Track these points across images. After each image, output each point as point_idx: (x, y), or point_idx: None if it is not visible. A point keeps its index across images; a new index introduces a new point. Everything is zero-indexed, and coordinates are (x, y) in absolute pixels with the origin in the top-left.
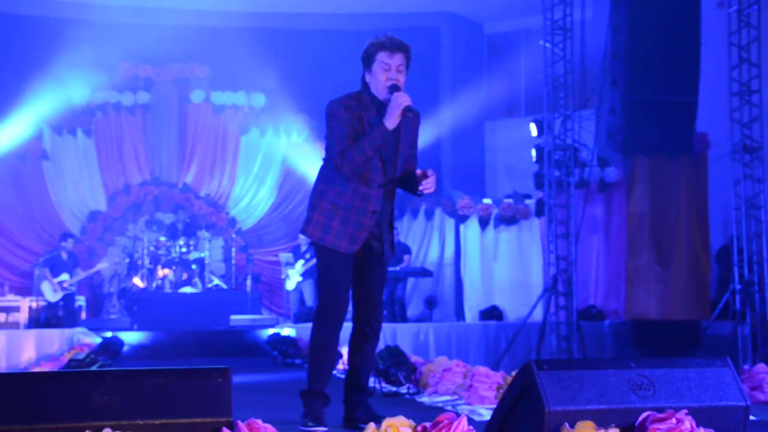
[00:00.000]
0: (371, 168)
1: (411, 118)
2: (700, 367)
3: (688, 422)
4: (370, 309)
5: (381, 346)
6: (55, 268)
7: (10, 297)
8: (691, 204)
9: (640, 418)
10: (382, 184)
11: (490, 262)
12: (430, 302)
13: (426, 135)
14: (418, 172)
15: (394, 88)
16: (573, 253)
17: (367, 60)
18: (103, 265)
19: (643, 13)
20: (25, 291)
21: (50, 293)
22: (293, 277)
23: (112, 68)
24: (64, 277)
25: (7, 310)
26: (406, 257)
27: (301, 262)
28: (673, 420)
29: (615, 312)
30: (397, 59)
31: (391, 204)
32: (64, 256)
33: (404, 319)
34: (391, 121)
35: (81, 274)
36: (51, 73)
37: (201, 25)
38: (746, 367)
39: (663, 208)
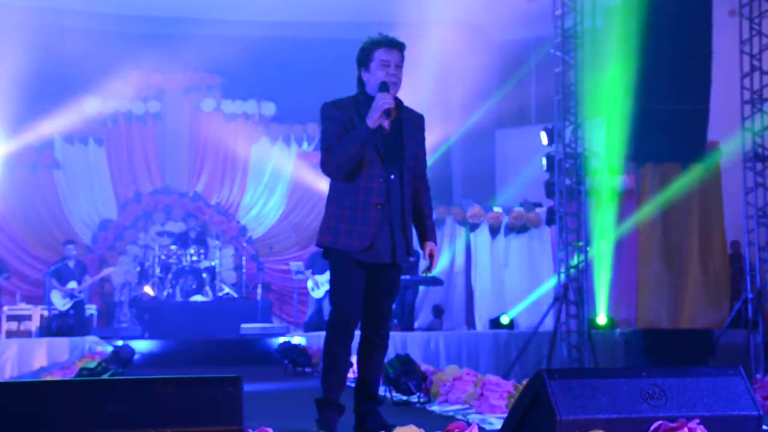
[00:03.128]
0: (367, 161)
1: (411, 117)
2: (712, 376)
3: None
4: (379, 318)
5: (391, 354)
6: (63, 277)
7: (22, 306)
8: (703, 212)
9: (652, 428)
10: (386, 178)
11: (501, 271)
12: (438, 311)
13: (436, 143)
14: (427, 249)
15: (383, 86)
16: (584, 262)
17: (364, 59)
18: (109, 270)
19: (654, 22)
20: (36, 300)
21: (59, 302)
22: (322, 286)
23: (123, 77)
24: (72, 284)
25: (19, 318)
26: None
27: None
28: (685, 429)
29: (626, 321)
30: (395, 56)
31: (402, 202)
32: (71, 264)
33: (411, 327)
34: (371, 120)
35: (89, 280)
36: (63, 82)
37: (211, 34)
38: (759, 376)
39: (674, 216)
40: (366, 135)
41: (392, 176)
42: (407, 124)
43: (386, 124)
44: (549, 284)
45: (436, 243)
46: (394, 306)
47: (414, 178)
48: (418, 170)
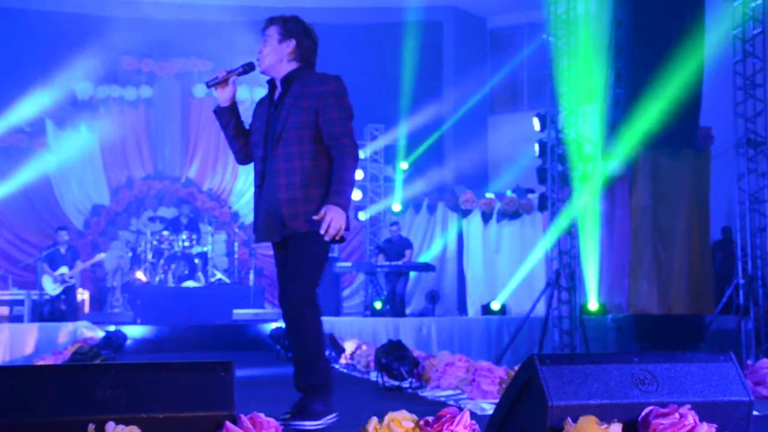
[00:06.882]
0: (253, 145)
1: (306, 86)
2: (704, 362)
3: (691, 417)
4: (280, 292)
5: (384, 340)
6: (55, 262)
7: (14, 290)
8: (694, 198)
9: (643, 413)
10: (262, 158)
11: (493, 257)
12: (433, 297)
13: (429, 129)
14: (320, 212)
15: (245, 66)
16: (576, 248)
17: None
18: (101, 256)
19: (646, 7)
20: (28, 285)
21: (50, 287)
22: None
23: (115, 63)
24: (63, 270)
25: (11, 303)
26: (407, 252)
27: None
28: (676, 415)
29: (618, 306)
30: (264, 35)
31: (277, 178)
32: (62, 249)
33: (402, 314)
34: (219, 100)
35: (80, 266)
36: (54, 67)
37: (203, 19)
38: (750, 362)
39: (666, 202)
40: (217, 115)
41: (268, 155)
42: (294, 96)
43: (277, 104)
44: (531, 266)
45: (336, 206)
46: (386, 292)
47: (329, 146)
48: (327, 138)
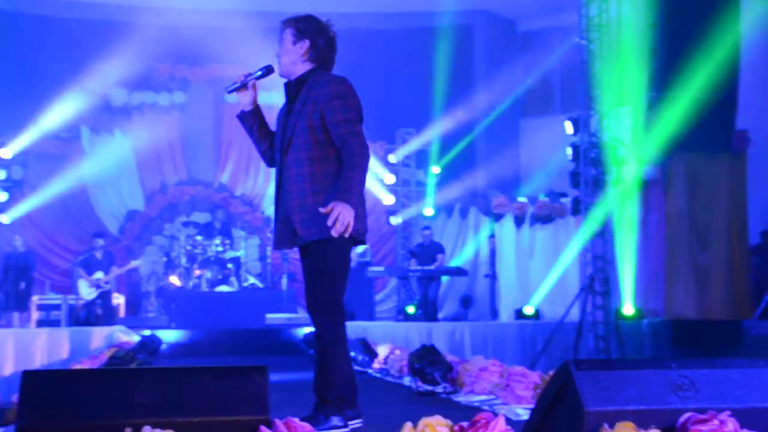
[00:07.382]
0: (274, 149)
1: (312, 90)
2: (743, 367)
3: (731, 424)
4: (307, 305)
5: (416, 344)
6: (91, 267)
7: (51, 295)
8: (731, 202)
9: (681, 419)
10: (278, 164)
11: (526, 261)
12: (466, 301)
13: (461, 133)
14: (326, 209)
15: (266, 69)
16: (610, 252)
17: None
18: (136, 263)
19: (680, 9)
20: (65, 290)
21: (85, 291)
22: None
23: (148, 69)
24: (99, 275)
25: (48, 308)
26: (440, 257)
27: None
28: (716, 421)
29: (654, 311)
30: (280, 37)
31: (289, 185)
32: (99, 255)
33: (435, 318)
34: (241, 104)
35: (115, 271)
36: (88, 74)
37: (236, 25)
38: None
39: (702, 205)
40: (240, 120)
41: (282, 160)
42: (302, 101)
43: (288, 109)
44: (564, 270)
45: (344, 202)
46: (418, 297)
47: (338, 148)
48: (336, 141)
